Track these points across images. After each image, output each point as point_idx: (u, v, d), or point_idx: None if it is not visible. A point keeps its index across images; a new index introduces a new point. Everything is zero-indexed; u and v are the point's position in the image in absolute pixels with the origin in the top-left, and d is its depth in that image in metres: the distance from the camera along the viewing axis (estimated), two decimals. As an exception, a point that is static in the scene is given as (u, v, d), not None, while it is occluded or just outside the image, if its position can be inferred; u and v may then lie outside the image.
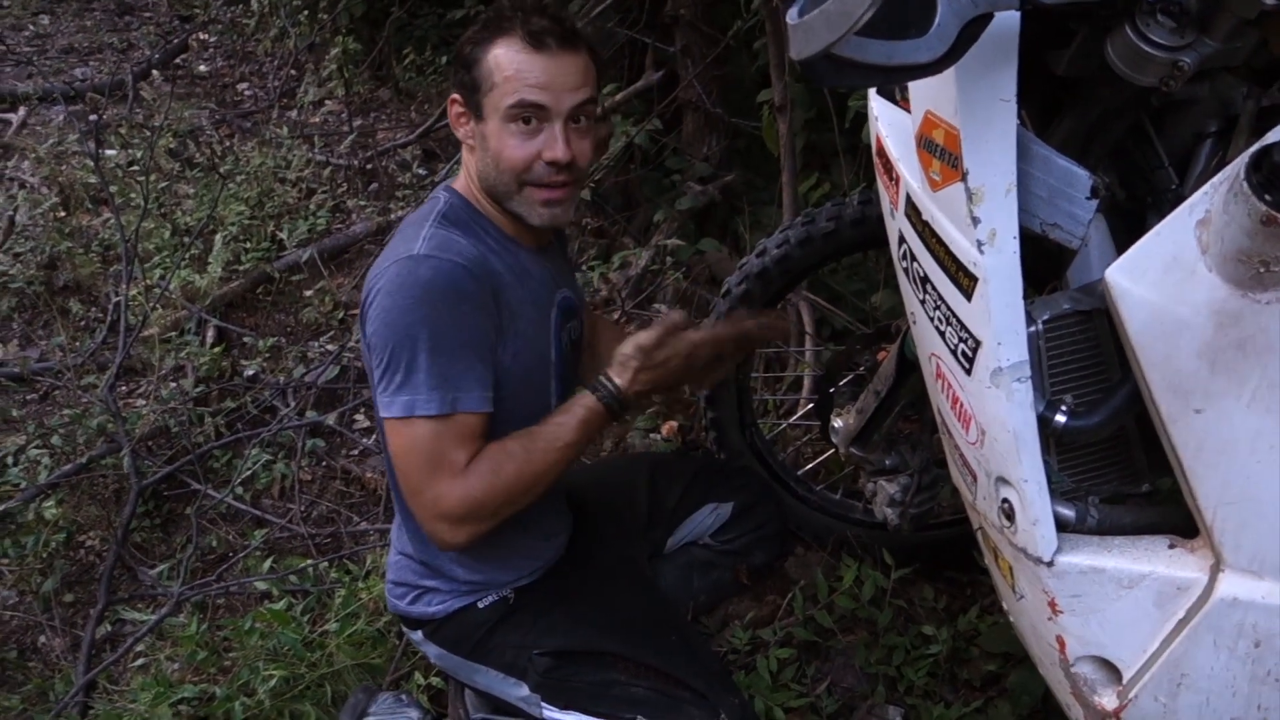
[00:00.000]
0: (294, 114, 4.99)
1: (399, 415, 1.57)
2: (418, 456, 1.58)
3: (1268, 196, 0.94)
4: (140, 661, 2.24)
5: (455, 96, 1.70)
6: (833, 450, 2.31)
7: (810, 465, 2.51)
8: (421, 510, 1.61)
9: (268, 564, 2.42)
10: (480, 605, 1.86)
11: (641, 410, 1.65)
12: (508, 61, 1.61)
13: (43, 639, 2.39)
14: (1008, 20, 1.09)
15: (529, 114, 1.62)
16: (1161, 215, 1.21)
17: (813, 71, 0.96)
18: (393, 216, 3.85)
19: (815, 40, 0.89)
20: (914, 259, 1.34)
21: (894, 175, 1.40)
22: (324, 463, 2.83)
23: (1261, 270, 0.99)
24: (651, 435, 2.74)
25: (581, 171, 1.69)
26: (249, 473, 2.71)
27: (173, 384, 3.05)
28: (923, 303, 1.34)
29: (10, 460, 2.80)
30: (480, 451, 1.60)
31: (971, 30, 1.02)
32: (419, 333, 1.55)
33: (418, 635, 1.93)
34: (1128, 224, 1.28)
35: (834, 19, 0.87)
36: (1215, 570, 1.14)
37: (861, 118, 2.67)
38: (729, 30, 3.36)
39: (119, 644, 2.33)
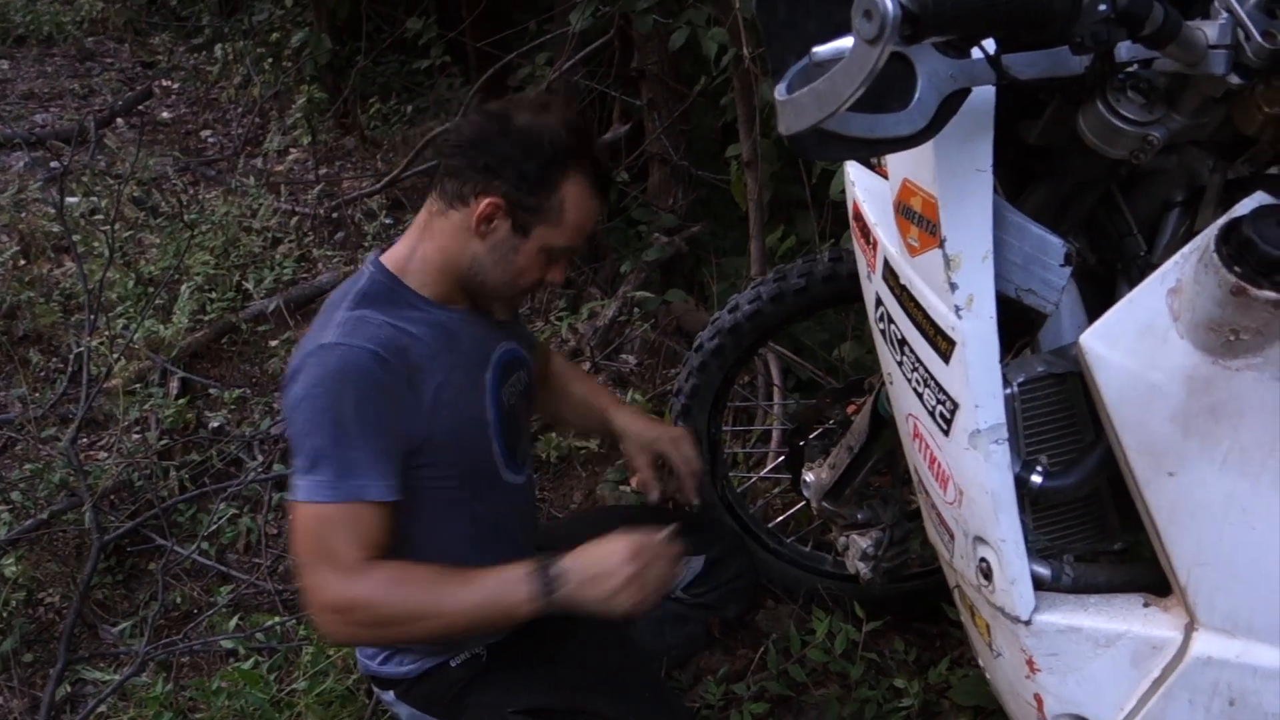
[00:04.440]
0: (259, 162, 4.98)
1: (302, 499, 1.57)
2: (309, 541, 1.58)
3: (1237, 268, 0.98)
4: (103, 723, 2.20)
5: (498, 202, 1.64)
6: (802, 503, 2.33)
7: (780, 518, 2.52)
8: (307, 594, 1.61)
9: (234, 621, 2.38)
10: (452, 664, 1.84)
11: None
12: (577, 205, 1.66)
13: (0, 700, 2.33)
14: (984, 93, 1.13)
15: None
16: (1131, 281, 1.26)
17: (799, 145, 0.99)
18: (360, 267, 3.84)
19: (805, 117, 0.92)
20: (891, 321, 1.37)
21: (871, 239, 1.43)
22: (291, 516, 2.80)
23: (1231, 338, 1.03)
24: (622, 488, 2.74)
25: None
26: (214, 527, 2.68)
27: (136, 436, 3.00)
28: (900, 364, 1.36)
29: (-32, 515, 2.74)
30: (382, 558, 1.60)
31: (950, 104, 1.06)
32: (325, 422, 1.57)
33: (389, 696, 1.91)
34: (1097, 288, 1.32)
35: (824, 97, 0.89)
36: (1190, 629, 1.17)
37: (828, 172, 2.72)
38: (694, 85, 3.42)
39: (80, 705, 2.28)
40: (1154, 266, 1.11)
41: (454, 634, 1.73)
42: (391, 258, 1.75)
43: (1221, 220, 1.01)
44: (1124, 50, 1.08)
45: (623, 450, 2.06)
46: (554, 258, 1.71)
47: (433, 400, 1.68)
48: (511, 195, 1.64)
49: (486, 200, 1.64)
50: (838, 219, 2.96)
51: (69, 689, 2.32)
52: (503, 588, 1.59)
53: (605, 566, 1.58)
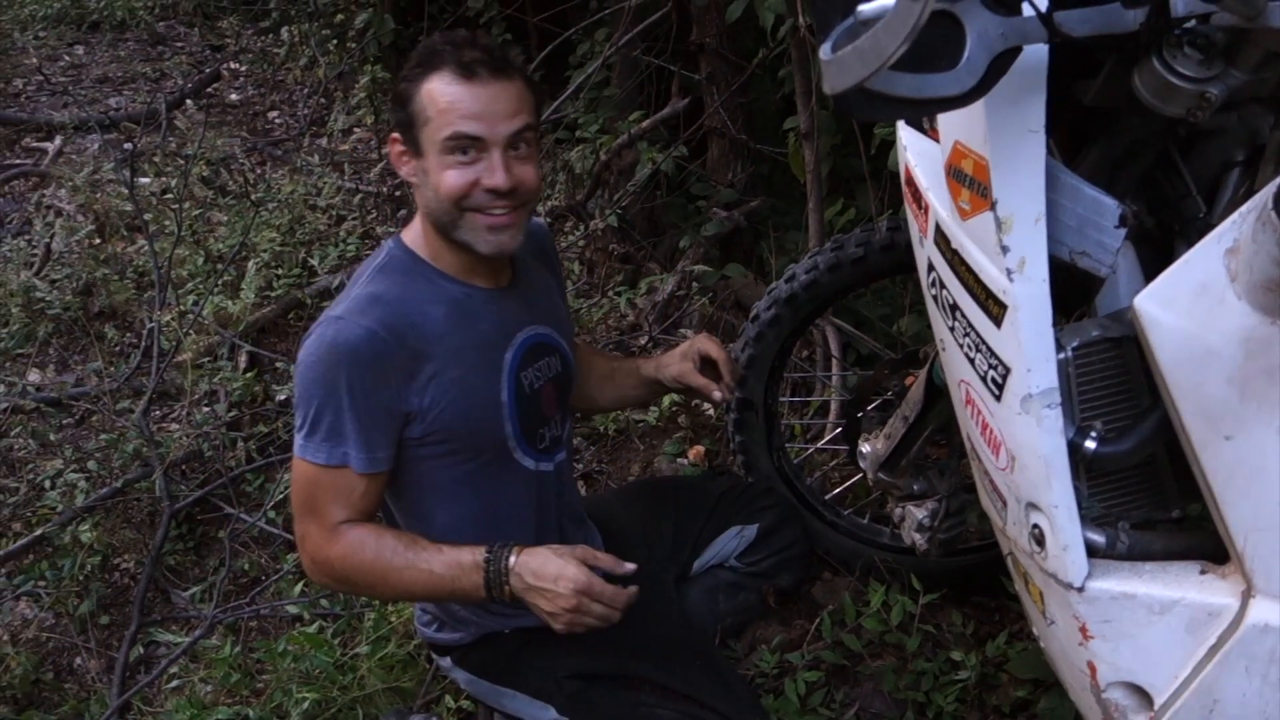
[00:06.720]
0: (324, 142, 5.05)
1: (298, 455, 1.69)
2: (300, 495, 1.71)
3: (1296, 226, 0.95)
4: (175, 683, 2.27)
5: (395, 135, 1.72)
6: (860, 475, 2.32)
7: (838, 490, 2.52)
8: (297, 540, 1.75)
9: (299, 587, 2.44)
10: (505, 631, 1.88)
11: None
12: (441, 94, 1.63)
13: (79, 660, 2.42)
14: (1036, 52, 1.11)
15: (466, 145, 1.63)
16: (1189, 243, 1.23)
17: (845, 105, 0.98)
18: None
19: (849, 75, 0.91)
20: (943, 286, 1.36)
21: (923, 204, 1.41)
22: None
23: (1290, 299, 1.00)
24: (678, 460, 2.75)
25: (527, 197, 1.71)
26: (281, 496, 2.74)
27: (206, 409, 3.08)
28: (952, 330, 1.35)
29: (48, 484, 2.84)
30: (361, 522, 1.70)
31: (1000, 63, 1.04)
32: (319, 391, 1.65)
33: (446, 661, 1.96)
34: (1155, 252, 1.30)
35: (867, 54, 0.89)
36: (1246, 596, 1.15)
37: (887, 144, 2.69)
38: (753, 58, 3.39)
39: (153, 665, 2.36)
40: (1213, 228, 1.09)
41: (414, 599, 1.93)
42: (409, 234, 1.80)
43: (1279, 178, 0.99)
44: (1180, 5, 1.06)
45: (671, 379, 2.07)
46: (464, 155, 1.63)
47: (440, 378, 1.71)
48: (397, 124, 1.70)
49: (390, 141, 1.74)
50: (897, 192, 2.91)
51: (142, 650, 2.40)
52: (457, 571, 1.67)
53: (550, 583, 1.64)
